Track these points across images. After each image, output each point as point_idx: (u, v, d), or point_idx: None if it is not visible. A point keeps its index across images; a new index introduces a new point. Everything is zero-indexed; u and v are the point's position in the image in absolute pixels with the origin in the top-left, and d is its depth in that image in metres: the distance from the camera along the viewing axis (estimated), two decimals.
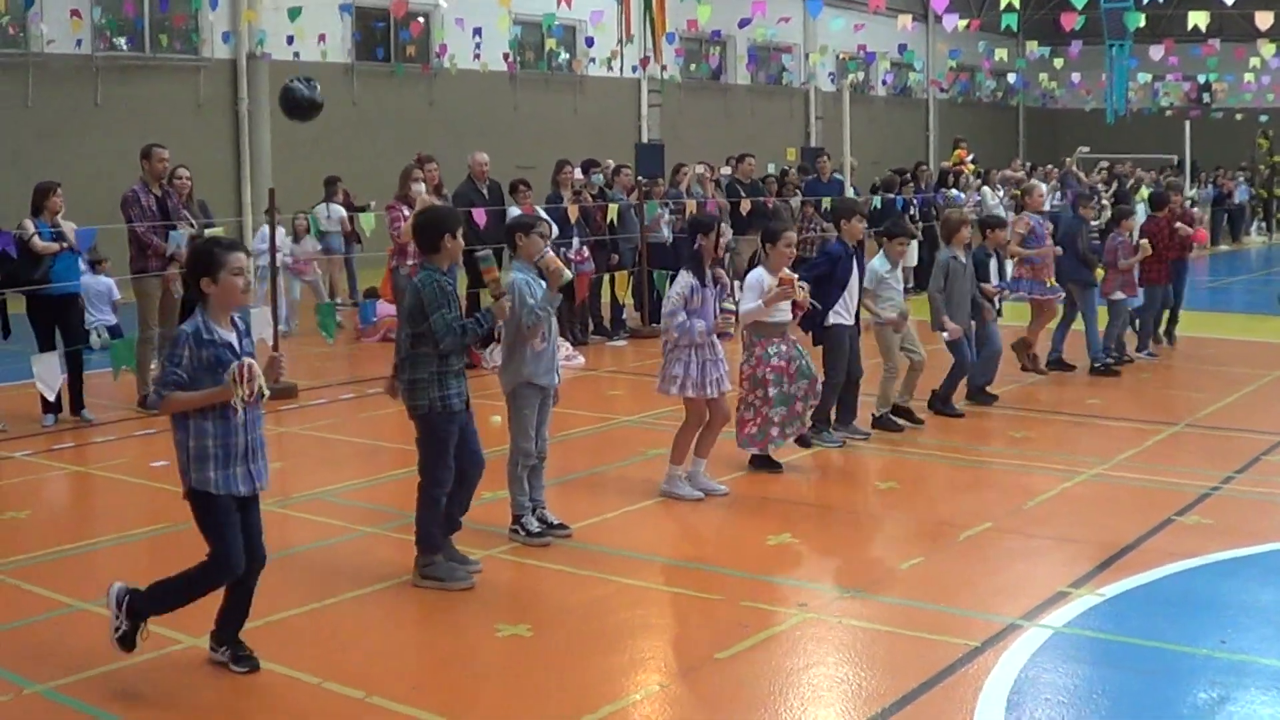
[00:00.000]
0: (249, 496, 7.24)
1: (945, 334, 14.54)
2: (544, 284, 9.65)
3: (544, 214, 18.58)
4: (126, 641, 7.26)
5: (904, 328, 14.08)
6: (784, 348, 11.86)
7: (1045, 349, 17.57)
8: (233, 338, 7.09)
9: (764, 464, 12.22)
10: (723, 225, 11.74)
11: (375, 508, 11.07)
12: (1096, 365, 17.43)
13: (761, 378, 11.79)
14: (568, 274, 9.67)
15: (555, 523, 10.08)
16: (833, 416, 13.48)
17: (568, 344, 18.06)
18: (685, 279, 11.08)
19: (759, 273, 11.91)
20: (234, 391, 6.86)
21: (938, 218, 25.89)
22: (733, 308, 11.67)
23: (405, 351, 8.83)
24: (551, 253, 9.71)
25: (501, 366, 9.98)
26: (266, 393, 7.02)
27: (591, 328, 20.75)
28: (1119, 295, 17.94)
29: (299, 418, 15.10)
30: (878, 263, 14.05)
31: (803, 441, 12.63)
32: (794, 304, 11.82)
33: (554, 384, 9.98)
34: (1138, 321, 19.01)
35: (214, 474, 7.03)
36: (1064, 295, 17.24)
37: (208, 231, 15.59)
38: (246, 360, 6.95)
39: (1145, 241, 18.03)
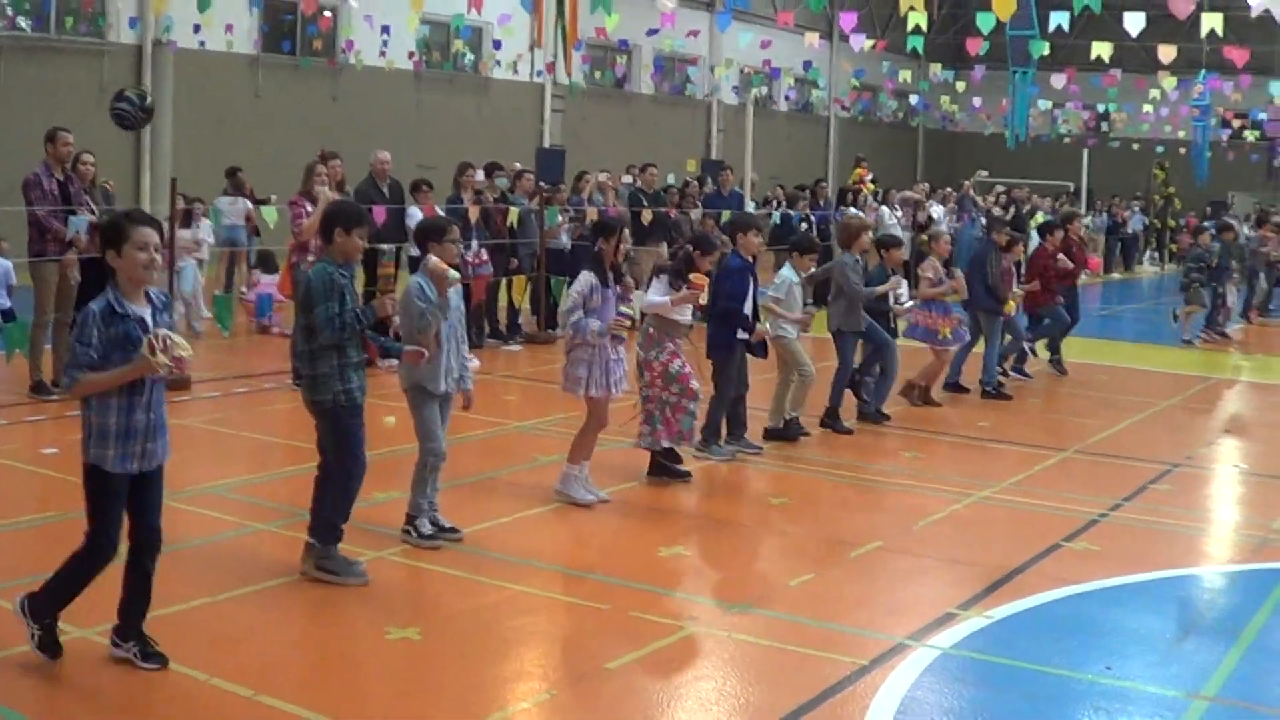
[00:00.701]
0: (148, 472, 7.16)
1: (904, 301, 14.84)
2: (448, 298, 9.67)
3: (444, 215, 18.58)
4: (47, 647, 7.20)
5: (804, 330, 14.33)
6: (683, 352, 11.97)
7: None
8: (145, 312, 7.01)
9: (666, 471, 12.20)
10: (625, 230, 11.76)
11: (266, 504, 10.99)
12: (988, 389, 17.57)
13: (676, 373, 11.85)
14: (454, 275, 9.63)
15: (447, 526, 10.04)
16: (723, 430, 13.52)
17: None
18: (586, 278, 11.12)
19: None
20: (154, 364, 6.77)
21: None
22: (629, 312, 11.68)
23: (302, 345, 8.78)
24: (434, 257, 9.65)
25: (401, 363, 9.94)
26: (188, 354, 6.95)
27: (488, 331, 20.69)
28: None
29: (192, 410, 14.95)
30: (788, 272, 14.14)
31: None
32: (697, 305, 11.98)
33: (450, 391, 9.92)
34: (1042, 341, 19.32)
35: (111, 451, 6.97)
36: (957, 346, 17.22)
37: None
38: (160, 331, 6.87)
39: (1036, 282, 18.36)
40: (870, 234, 15.45)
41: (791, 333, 14.11)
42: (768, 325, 13.80)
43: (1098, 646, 8.32)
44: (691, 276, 11.91)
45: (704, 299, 12.09)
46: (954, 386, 17.73)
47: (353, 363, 8.82)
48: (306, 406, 8.96)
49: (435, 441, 9.85)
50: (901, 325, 16.48)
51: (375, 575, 9.06)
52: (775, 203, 25.83)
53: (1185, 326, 24.41)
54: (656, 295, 11.92)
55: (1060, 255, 19.13)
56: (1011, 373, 18.79)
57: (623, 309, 11.41)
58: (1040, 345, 19.75)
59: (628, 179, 26.16)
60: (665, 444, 12.06)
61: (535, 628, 8.45)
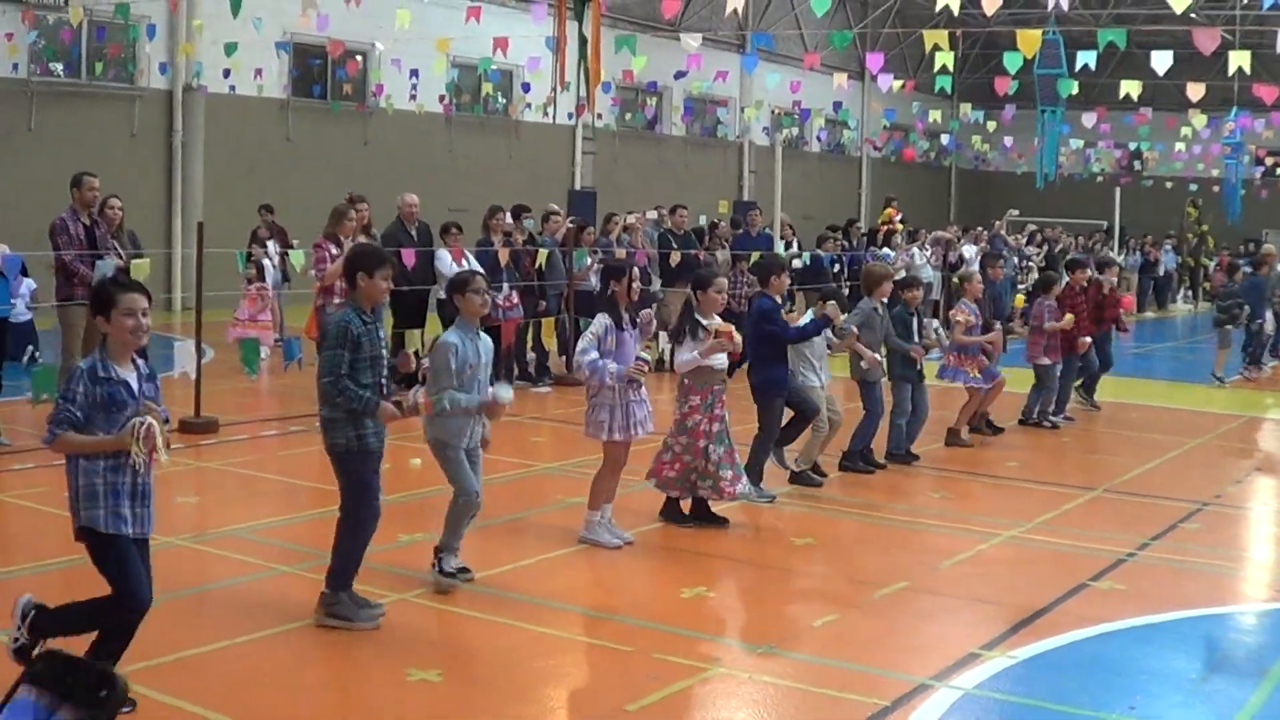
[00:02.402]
0: (138, 539, 7.14)
1: (863, 364, 14.69)
2: (481, 349, 9.70)
3: (472, 257, 18.62)
4: (22, 655, 7.12)
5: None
6: (717, 404, 11.87)
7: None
8: (131, 377, 7.02)
9: (673, 516, 12.14)
10: (635, 270, 11.70)
11: (292, 546, 11.00)
12: (975, 424, 17.53)
13: (692, 427, 11.78)
14: (506, 398, 9.70)
15: (460, 567, 10.01)
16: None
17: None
18: (601, 320, 11.15)
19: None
20: (131, 447, 6.78)
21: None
22: (647, 357, 11.63)
23: (322, 388, 8.78)
24: (504, 396, 9.70)
25: (425, 417, 9.92)
26: (165, 458, 6.93)
27: (516, 373, 20.69)
28: (1044, 360, 18.13)
29: (219, 453, 14.99)
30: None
31: (709, 517, 12.34)
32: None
33: (474, 446, 9.91)
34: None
35: (102, 511, 6.95)
36: (988, 385, 17.14)
37: (135, 263, 15.46)
38: (148, 420, 6.86)
39: (1070, 316, 18.23)
40: (890, 283, 15.37)
41: (815, 381, 14.05)
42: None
43: (1122, 686, 8.28)
44: (718, 326, 11.89)
45: (736, 342, 12.02)
46: (987, 426, 17.65)
47: (361, 409, 8.77)
48: (325, 450, 8.97)
49: (469, 482, 9.78)
50: (931, 369, 16.45)
51: (398, 617, 9.05)
52: (785, 242, 25.66)
53: (1218, 364, 24.31)
54: (685, 353, 11.82)
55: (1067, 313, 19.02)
56: (1048, 420, 18.69)
57: (641, 354, 11.38)
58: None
59: (653, 214, 26.14)
60: (650, 483, 12.07)
61: (557, 669, 8.44)
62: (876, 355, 14.78)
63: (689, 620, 9.53)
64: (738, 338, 11.97)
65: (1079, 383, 19.76)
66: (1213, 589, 10.96)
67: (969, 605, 10.14)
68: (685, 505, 12.19)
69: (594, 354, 10.98)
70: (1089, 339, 18.68)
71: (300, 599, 9.42)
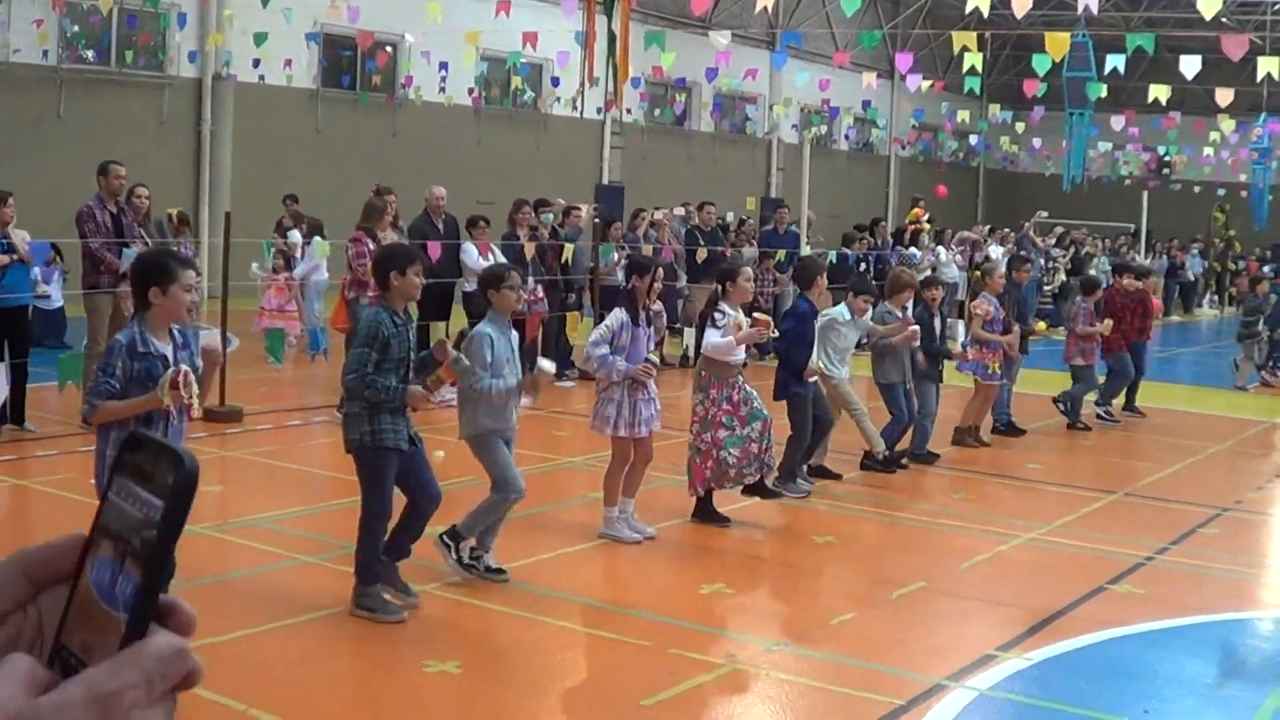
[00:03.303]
0: None
1: (912, 350, 14.81)
2: (512, 343, 9.76)
3: (499, 251, 18.69)
4: None
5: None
6: (736, 390, 11.90)
7: (987, 420, 17.49)
8: (169, 350, 7.11)
9: (708, 516, 12.09)
10: (660, 270, 11.77)
11: (315, 536, 11.06)
12: (999, 425, 17.56)
13: (714, 419, 11.79)
14: (548, 368, 9.75)
15: (494, 566, 10.03)
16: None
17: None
18: (618, 315, 11.21)
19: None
20: (162, 398, 6.86)
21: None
22: (655, 359, 11.66)
23: (344, 384, 8.83)
24: (546, 367, 9.76)
25: (459, 412, 9.96)
26: (198, 406, 7.02)
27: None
28: (1079, 361, 18.20)
29: (244, 442, 15.07)
30: (838, 312, 14.15)
31: (762, 492, 12.36)
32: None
33: (510, 426, 9.95)
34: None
35: None
36: (1004, 381, 17.17)
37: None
38: (183, 368, 6.96)
39: (1109, 321, 18.28)
40: (912, 291, 15.39)
41: (841, 373, 14.11)
42: (820, 364, 13.80)
43: (1136, 690, 8.32)
44: (756, 315, 11.95)
45: (772, 332, 12.11)
46: (1009, 426, 17.67)
47: (387, 407, 8.81)
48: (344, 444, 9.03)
49: (515, 477, 9.77)
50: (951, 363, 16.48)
51: (419, 609, 9.11)
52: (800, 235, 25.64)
53: (1241, 375, 24.34)
54: (717, 337, 11.85)
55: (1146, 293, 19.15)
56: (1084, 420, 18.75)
57: (650, 356, 11.41)
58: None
59: (680, 210, 26.17)
60: (700, 492, 12.03)
61: (575, 663, 8.50)
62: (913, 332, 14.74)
63: (707, 616, 9.59)
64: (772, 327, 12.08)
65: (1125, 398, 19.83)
66: (1230, 594, 10.99)
67: (987, 607, 10.18)
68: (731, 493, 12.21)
69: (605, 348, 11.01)
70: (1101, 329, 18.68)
71: (321, 589, 9.49)
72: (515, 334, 10.12)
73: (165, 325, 7.15)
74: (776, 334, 12.22)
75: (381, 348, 8.67)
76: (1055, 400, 18.40)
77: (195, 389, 7.03)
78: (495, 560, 10.02)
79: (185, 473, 1.24)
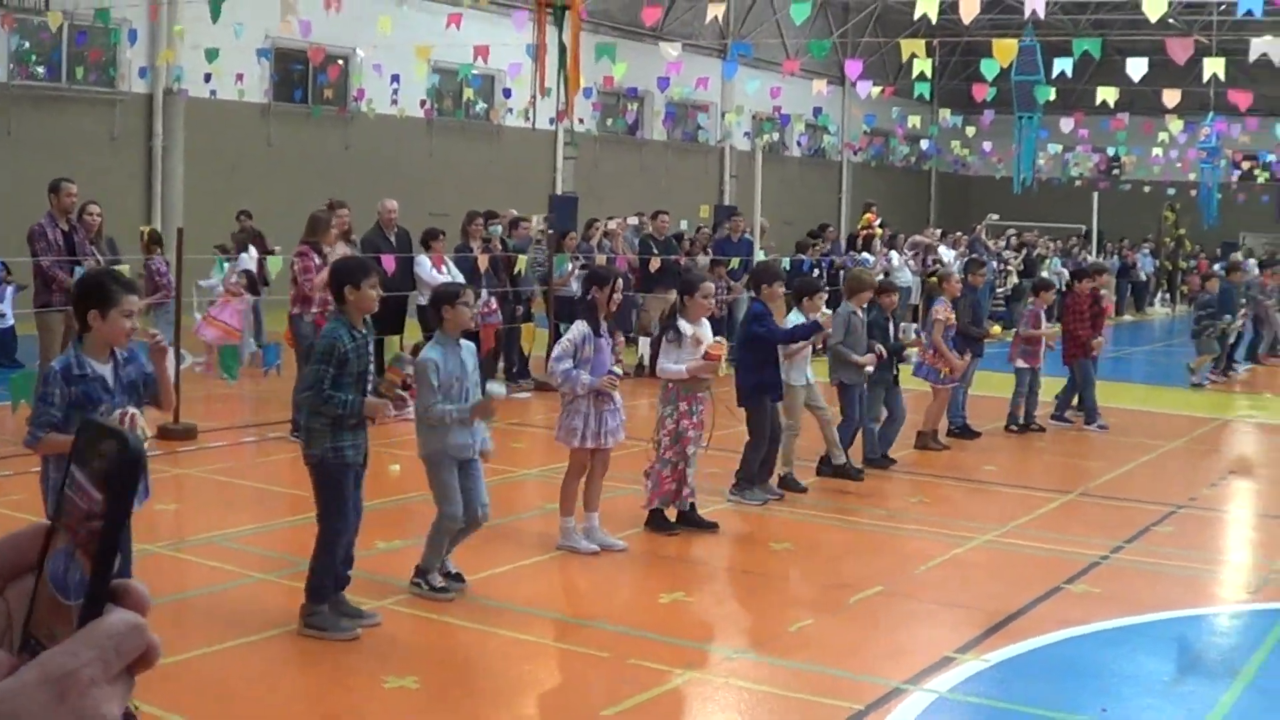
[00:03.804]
0: None
1: (868, 369, 14.75)
2: (464, 362, 9.70)
3: (452, 264, 18.68)
4: None
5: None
6: (700, 410, 11.91)
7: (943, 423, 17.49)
8: (108, 371, 7.07)
9: (660, 525, 12.04)
10: (619, 281, 11.77)
11: (270, 554, 11.03)
12: (954, 428, 17.60)
13: (683, 433, 11.82)
14: (498, 393, 9.69)
15: (454, 571, 10.07)
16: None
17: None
18: (579, 328, 11.13)
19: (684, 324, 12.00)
20: None
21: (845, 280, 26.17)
22: (618, 371, 11.61)
23: (299, 396, 8.80)
24: (495, 394, 9.69)
25: (416, 428, 9.95)
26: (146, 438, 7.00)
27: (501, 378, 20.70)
28: (1021, 363, 18.24)
29: (198, 459, 15.01)
30: (797, 317, 14.16)
31: (698, 524, 12.32)
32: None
33: (472, 456, 9.93)
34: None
35: None
36: (958, 384, 17.22)
37: (113, 270, 15.46)
38: (129, 410, 6.92)
39: (1058, 326, 18.43)
40: (871, 291, 15.39)
41: (800, 380, 14.13)
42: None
43: (1094, 689, 8.36)
44: (707, 347, 11.94)
45: (723, 368, 12.14)
46: (964, 430, 17.73)
47: (348, 423, 8.77)
48: (303, 459, 8.99)
49: (454, 505, 9.71)
50: (907, 368, 16.52)
51: (376, 625, 9.09)
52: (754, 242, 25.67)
53: (1196, 372, 24.50)
54: (670, 363, 11.83)
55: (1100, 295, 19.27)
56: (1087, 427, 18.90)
57: (613, 369, 11.39)
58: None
59: (634, 220, 26.19)
60: (656, 505, 11.99)
61: (533, 676, 8.49)
62: (870, 356, 14.76)
63: (666, 625, 9.58)
64: (724, 360, 12.08)
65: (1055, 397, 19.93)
66: (1185, 591, 11.06)
67: (944, 609, 10.22)
68: (670, 512, 12.16)
69: (568, 362, 10.98)
70: (1099, 339, 18.81)
71: (277, 606, 9.46)
72: (470, 345, 10.09)
73: (105, 348, 7.11)
74: (730, 363, 12.21)
75: (339, 363, 8.62)
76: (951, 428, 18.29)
77: (143, 427, 6.98)
78: (454, 565, 10.04)
79: (129, 453, 1.26)
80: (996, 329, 18.01)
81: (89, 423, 1.30)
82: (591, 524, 11.37)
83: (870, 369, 14.76)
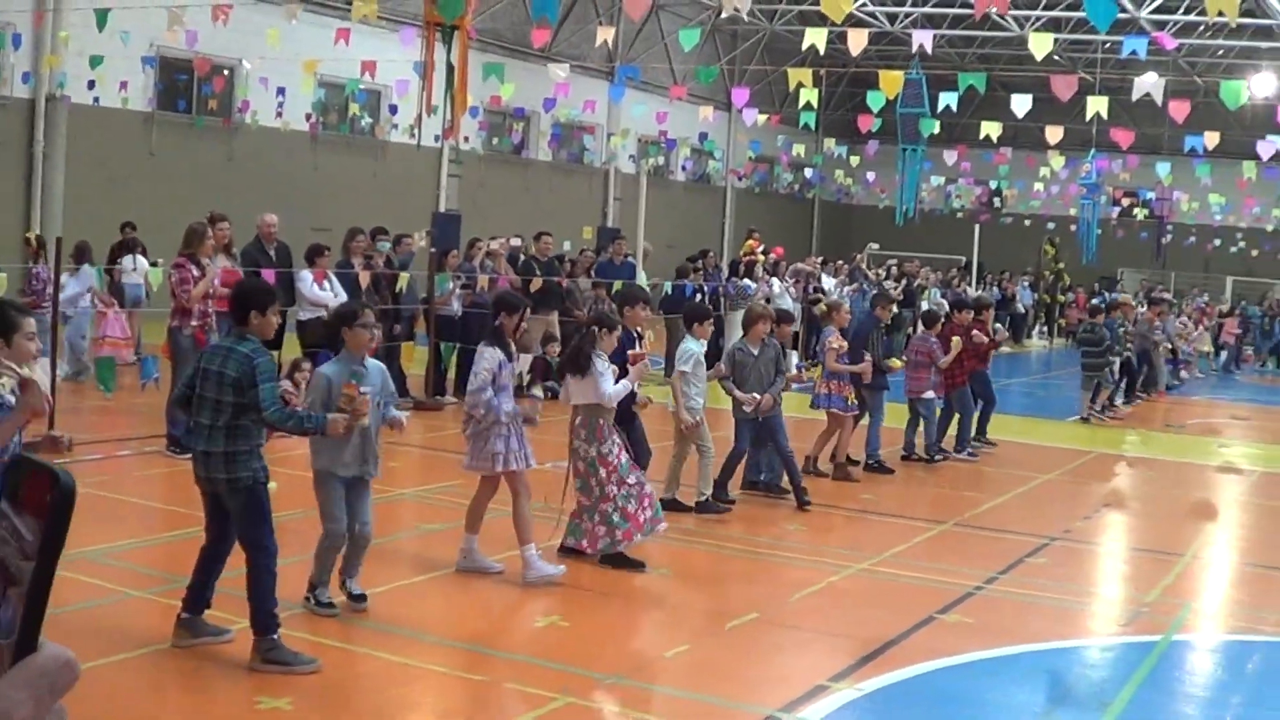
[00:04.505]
0: None
1: (746, 407, 14.75)
2: (365, 378, 9.62)
3: (335, 279, 18.60)
4: None
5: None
6: (618, 437, 11.89)
7: (827, 451, 17.52)
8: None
9: (623, 562, 11.92)
10: (527, 309, 11.71)
11: (146, 570, 10.91)
12: (871, 462, 17.67)
13: (627, 466, 11.78)
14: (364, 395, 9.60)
15: (357, 593, 10.01)
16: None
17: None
18: (494, 354, 11.01)
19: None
20: None
21: (726, 306, 26.28)
22: (539, 394, 11.54)
23: (221, 421, 8.60)
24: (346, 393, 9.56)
25: (310, 443, 9.88)
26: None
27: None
28: (929, 395, 18.46)
29: (72, 473, 14.76)
30: (694, 345, 14.18)
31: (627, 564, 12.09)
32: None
33: (360, 476, 9.85)
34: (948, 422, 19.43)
35: None
36: (858, 412, 17.30)
37: None
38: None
39: (957, 339, 18.59)
40: (766, 324, 15.38)
41: (700, 403, 14.14)
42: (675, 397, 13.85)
43: (966, 719, 8.42)
44: (631, 354, 11.95)
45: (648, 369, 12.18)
46: (879, 467, 17.79)
47: (258, 445, 8.75)
48: (214, 486, 8.75)
49: (335, 523, 9.72)
50: (805, 400, 16.58)
51: (250, 644, 9.00)
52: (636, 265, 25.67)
53: (1085, 404, 24.79)
54: (611, 385, 11.68)
55: (976, 330, 19.39)
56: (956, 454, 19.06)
57: (534, 391, 11.34)
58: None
59: (516, 241, 26.14)
60: (637, 540, 11.92)
61: (408, 699, 8.44)
62: (753, 395, 14.76)
63: (542, 650, 9.57)
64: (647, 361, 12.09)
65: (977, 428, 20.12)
66: (1058, 623, 11.17)
67: (819, 637, 10.28)
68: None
69: (489, 392, 10.87)
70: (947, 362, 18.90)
71: (151, 624, 9.35)
72: (378, 365, 10.02)
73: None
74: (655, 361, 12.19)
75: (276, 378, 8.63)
76: (904, 455, 18.48)
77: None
78: (358, 587, 10.03)
79: (61, 490, 1.27)
80: (897, 362, 18.10)
81: (22, 460, 1.30)
82: (470, 545, 11.32)
83: (749, 409, 14.77)
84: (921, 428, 18.87)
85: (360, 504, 9.87)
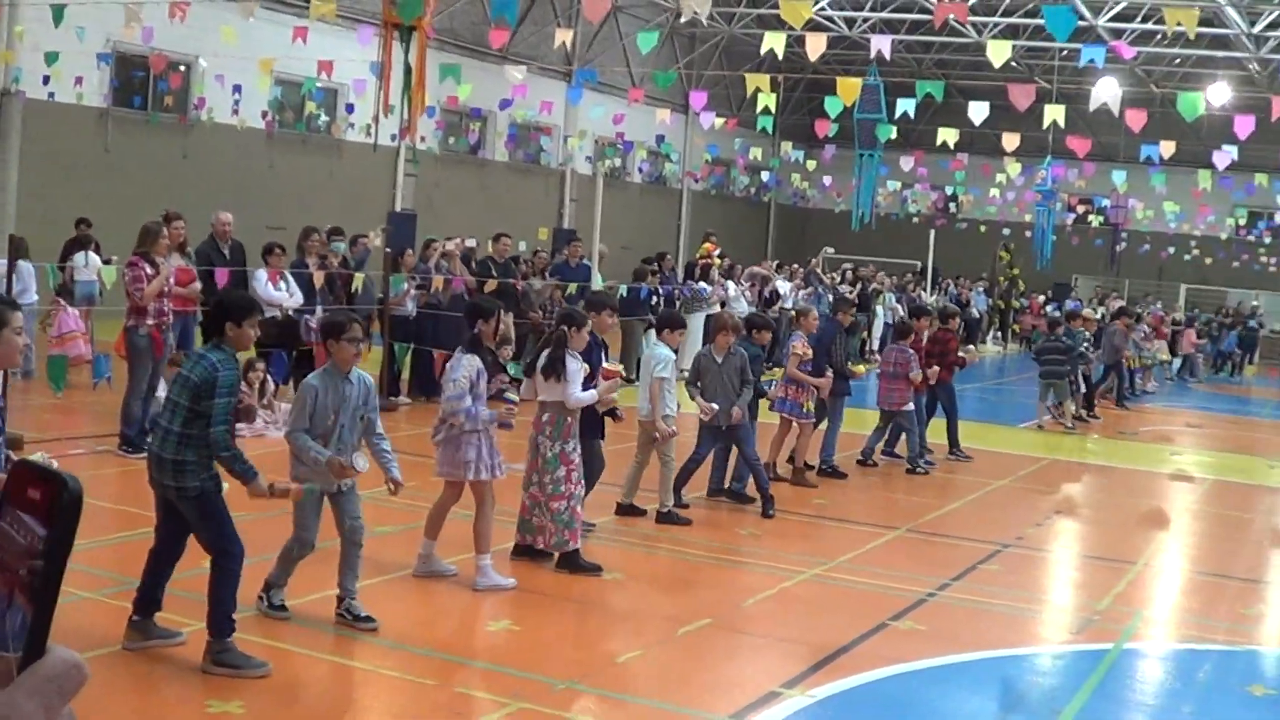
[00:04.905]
0: None
1: (702, 416, 14.74)
2: (346, 397, 9.58)
3: (291, 279, 18.51)
4: None
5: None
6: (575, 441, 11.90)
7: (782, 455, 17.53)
8: None
9: (580, 566, 11.90)
10: (502, 313, 11.67)
11: (95, 571, 10.81)
12: (825, 467, 17.70)
13: (576, 464, 11.80)
14: (359, 468, 9.57)
15: (363, 615, 9.83)
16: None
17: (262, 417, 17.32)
18: (472, 362, 10.94)
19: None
20: None
21: (680, 308, 26.25)
22: (515, 399, 11.52)
23: (178, 427, 8.54)
24: (338, 462, 9.51)
25: (289, 452, 9.82)
26: None
27: None
28: (910, 406, 18.57)
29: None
30: (667, 352, 14.15)
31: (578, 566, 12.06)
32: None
33: (335, 488, 9.79)
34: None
35: None
36: (814, 420, 17.31)
37: None
38: None
39: (936, 369, 18.74)
40: (730, 334, 15.36)
41: (669, 409, 14.06)
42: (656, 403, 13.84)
43: None
44: (605, 367, 11.98)
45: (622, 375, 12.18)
46: (833, 471, 17.83)
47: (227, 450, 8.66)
48: (165, 492, 8.72)
49: (305, 532, 9.68)
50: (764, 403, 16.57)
51: (200, 646, 8.95)
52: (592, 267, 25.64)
53: (1041, 410, 24.93)
54: (580, 392, 11.69)
55: (941, 335, 19.49)
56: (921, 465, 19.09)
57: (509, 395, 11.32)
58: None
59: (471, 242, 26.09)
60: (580, 542, 11.94)
61: (359, 702, 8.43)
62: (713, 405, 14.72)
63: (494, 654, 9.56)
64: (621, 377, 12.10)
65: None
66: (1010, 630, 11.22)
67: (771, 643, 10.28)
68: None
69: (468, 400, 10.81)
70: (919, 375, 18.92)
71: (100, 626, 9.27)
72: (368, 379, 9.95)
73: None
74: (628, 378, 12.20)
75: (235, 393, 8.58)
76: (821, 464, 18.46)
77: None
78: (362, 608, 9.91)
79: (69, 495, 1.26)
80: (861, 368, 18.17)
81: (27, 465, 1.29)
82: (429, 550, 11.28)
83: (705, 418, 14.77)
84: (903, 438, 19.01)
85: (348, 502, 9.86)
